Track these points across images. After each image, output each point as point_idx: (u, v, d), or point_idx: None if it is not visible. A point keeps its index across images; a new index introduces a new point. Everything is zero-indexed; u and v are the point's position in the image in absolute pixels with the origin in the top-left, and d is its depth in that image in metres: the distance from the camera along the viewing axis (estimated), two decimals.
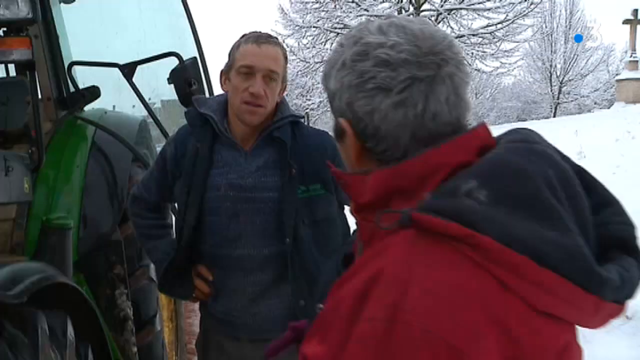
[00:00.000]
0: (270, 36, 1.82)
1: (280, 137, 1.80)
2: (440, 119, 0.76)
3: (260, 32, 1.85)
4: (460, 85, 0.77)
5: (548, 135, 0.84)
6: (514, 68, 22.54)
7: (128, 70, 2.74)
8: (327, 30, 20.72)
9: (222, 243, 1.85)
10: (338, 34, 20.82)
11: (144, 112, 3.13)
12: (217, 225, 1.84)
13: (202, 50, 2.70)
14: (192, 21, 2.72)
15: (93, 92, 2.97)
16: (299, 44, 22.55)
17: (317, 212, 1.83)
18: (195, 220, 1.85)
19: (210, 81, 2.69)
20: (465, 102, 0.78)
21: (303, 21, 22.35)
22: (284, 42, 22.68)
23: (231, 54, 1.82)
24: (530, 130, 0.80)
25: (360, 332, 0.67)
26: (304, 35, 22.33)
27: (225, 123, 1.85)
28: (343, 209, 1.94)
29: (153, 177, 2.01)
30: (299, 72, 24.03)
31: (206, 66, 2.65)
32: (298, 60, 23.17)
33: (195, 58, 2.61)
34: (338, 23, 21.64)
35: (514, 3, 20.13)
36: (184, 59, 2.60)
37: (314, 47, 22.20)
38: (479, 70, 22.04)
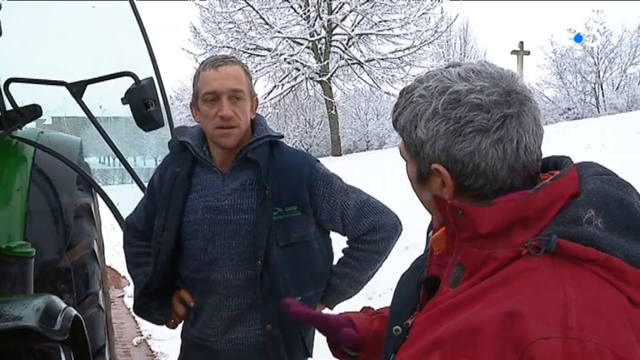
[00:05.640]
0: (226, 57, 1.83)
1: (255, 158, 1.80)
2: (529, 149, 0.85)
3: (216, 55, 1.86)
4: (536, 115, 0.86)
5: None
6: None
7: (77, 89, 2.63)
8: (240, 51, 20.67)
9: (200, 267, 1.82)
10: (251, 54, 20.88)
11: None
12: (196, 248, 1.82)
13: (158, 70, 2.65)
14: (148, 40, 2.66)
15: (33, 111, 2.81)
16: None
17: (292, 234, 1.82)
18: (174, 243, 1.82)
19: (167, 102, 2.64)
20: (542, 130, 0.87)
21: (216, 41, 22.18)
22: (196, 61, 22.37)
23: (194, 85, 1.82)
24: (597, 163, 0.91)
25: (540, 350, 0.72)
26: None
27: (204, 147, 1.85)
28: (328, 233, 1.95)
29: (144, 205, 2.00)
30: None
31: (163, 87, 2.60)
32: None
33: (151, 78, 2.56)
34: (251, 44, 21.71)
35: (420, 31, 21.22)
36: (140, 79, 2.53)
37: None
38: (388, 93, 22.88)
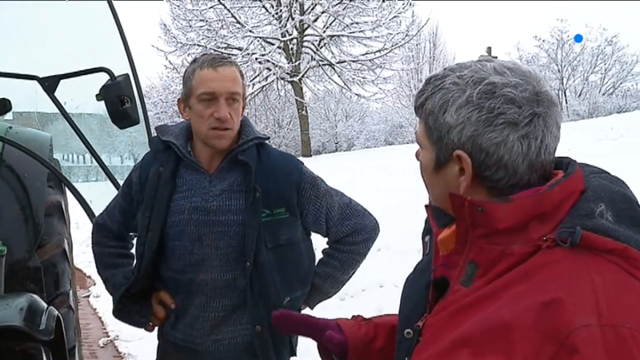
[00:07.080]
0: (223, 57, 1.80)
1: (246, 160, 1.79)
2: (548, 149, 0.88)
3: (212, 53, 1.83)
4: (559, 120, 0.89)
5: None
6: (391, 94, 23.73)
7: (50, 84, 2.56)
8: (211, 49, 20.48)
9: (185, 268, 1.80)
10: (222, 53, 20.69)
11: None
12: (181, 249, 1.79)
13: (134, 67, 2.60)
14: (124, 37, 2.61)
15: (2, 106, 2.73)
16: (182, 62, 22.06)
17: (280, 236, 1.82)
18: (157, 244, 1.79)
19: (143, 99, 2.60)
20: (560, 135, 0.90)
21: (186, 38, 21.94)
22: (166, 58, 22.05)
23: (187, 81, 1.78)
24: (589, 163, 0.95)
25: (582, 338, 0.74)
26: (187, 53, 21.91)
27: (189, 147, 1.82)
28: (309, 234, 1.95)
29: (118, 205, 1.94)
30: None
31: (139, 83, 2.55)
32: (180, 77, 22.59)
33: (127, 74, 2.51)
34: (222, 43, 21.55)
35: (391, 33, 21.42)
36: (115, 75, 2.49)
37: None
38: (358, 95, 23.03)
